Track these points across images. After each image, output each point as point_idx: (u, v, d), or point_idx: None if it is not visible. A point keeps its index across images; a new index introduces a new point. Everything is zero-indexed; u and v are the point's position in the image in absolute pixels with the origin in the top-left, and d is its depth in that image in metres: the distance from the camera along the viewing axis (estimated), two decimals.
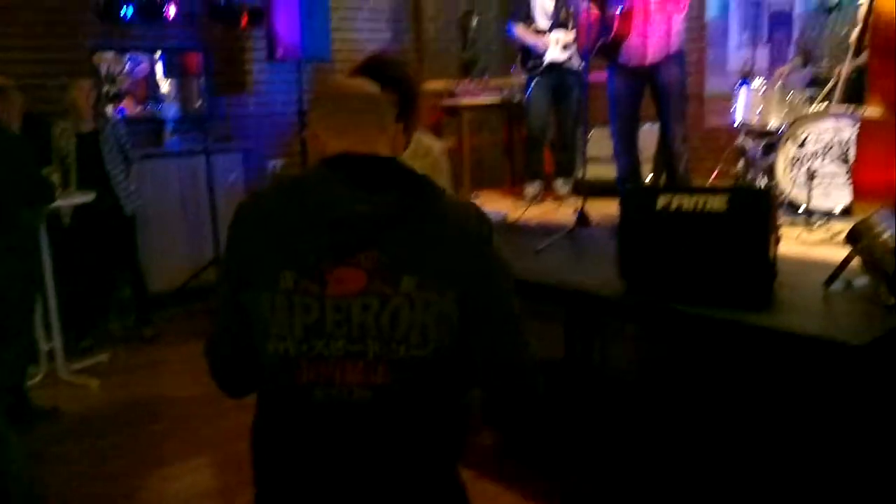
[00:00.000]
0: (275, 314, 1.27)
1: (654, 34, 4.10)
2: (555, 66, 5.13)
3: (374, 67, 2.21)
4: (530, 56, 5.22)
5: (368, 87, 1.44)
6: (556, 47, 5.10)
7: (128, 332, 5.13)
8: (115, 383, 4.30)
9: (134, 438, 3.65)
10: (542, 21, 5.18)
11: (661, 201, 2.80)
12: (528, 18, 5.22)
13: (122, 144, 4.85)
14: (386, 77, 2.16)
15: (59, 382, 4.24)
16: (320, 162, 1.34)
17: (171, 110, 5.88)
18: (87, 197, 4.48)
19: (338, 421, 1.27)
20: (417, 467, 1.30)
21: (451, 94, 6.24)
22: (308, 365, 1.26)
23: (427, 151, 2.64)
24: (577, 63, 5.10)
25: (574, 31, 5.00)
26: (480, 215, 1.36)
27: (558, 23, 5.12)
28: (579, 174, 4.51)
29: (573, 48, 5.06)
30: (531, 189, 5.27)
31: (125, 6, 5.33)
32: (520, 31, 5.24)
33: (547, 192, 5.34)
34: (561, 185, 5.28)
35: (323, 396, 1.26)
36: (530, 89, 5.22)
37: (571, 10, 5.02)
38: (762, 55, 5.73)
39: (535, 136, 5.30)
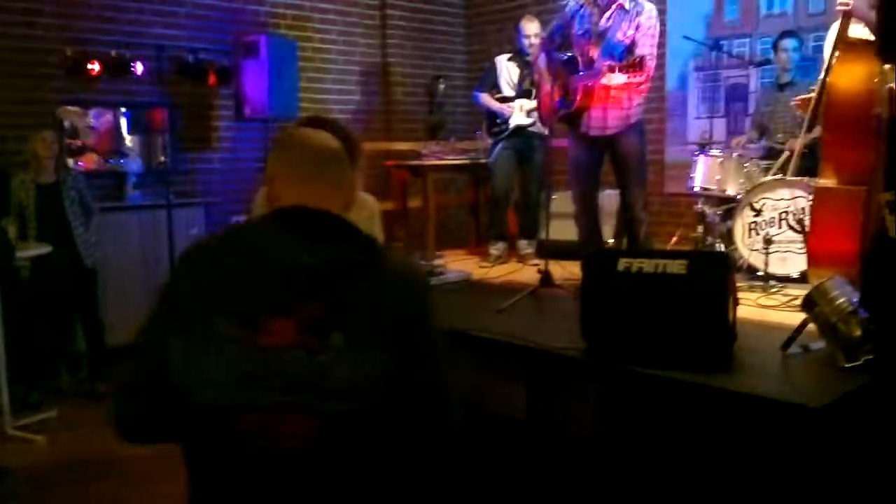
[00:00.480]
0: (206, 361, 1.25)
1: (615, 107, 4.20)
2: (519, 130, 5.29)
3: (320, 122, 2.34)
4: (495, 121, 5.39)
5: (332, 141, 1.45)
6: (521, 113, 5.29)
7: (79, 388, 4.98)
8: (63, 439, 4.15)
9: (82, 497, 3.51)
10: (508, 90, 5.39)
11: (622, 264, 2.83)
12: (494, 87, 5.45)
13: (82, 197, 4.80)
14: (338, 132, 2.34)
15: (5, 438, 4.08)
16: (273, 211, 1.36)
17: (133, 165, 5.86)
18: (43, 249, 4.41)
19: (272, 471, 1.25)
20: None
21: (418, 156, 6.33)
22: (241, 415, 1.25)
23: (363, 205, 2.78)
24: (540, 127, 5.21)
25: (537, 99, 5.13)
26: (420, 275, 1.41)
27: (522, 92, 5.32)
28: (542, 235, 4.56)
29: (536, 114, 5.18)
30: (495, 250, 5.31)
31: (92, 62, 5.35)
32: (485, 98, 5.46)
33: (511, 252, 5.38)
34: (524, 246, 5.34)
35: (256, 446, 1.25)
36: (495, 152, 5.36)
37: (536, 78, 5.16)
38: (719, 126, 5.92)
39: (499, 198, 5.40)
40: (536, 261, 5.06)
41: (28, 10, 5.24)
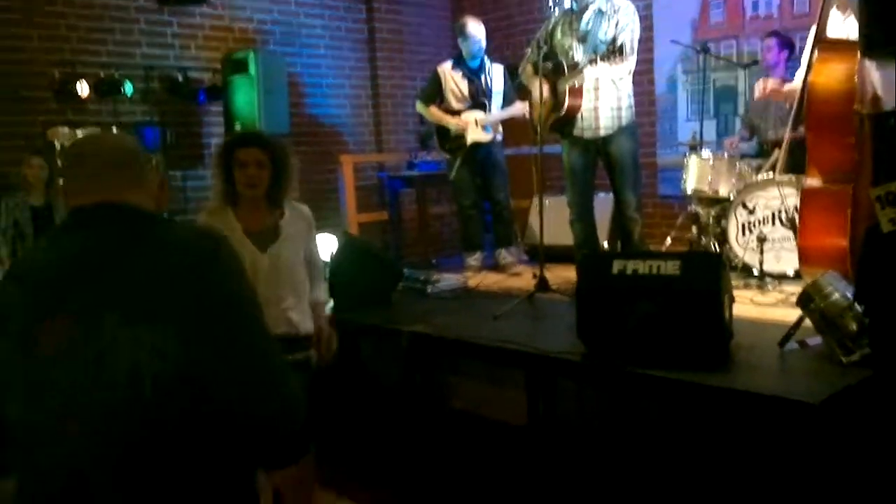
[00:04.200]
0: (6, 379, 1.23)
1: (605, 105, 4.23)
2: (478, 145, 5.07)
3: (259, 139, 2.70)
4: (448, 135, 5.14)
5: (126, 142, 1.44)
6: (477, 128, 5.04)
7: None
8: None
9: None
10: (455, 102, 5.10)
11: (617, 266, 2.84)
12: (437, 98, 5.17)
13: None
14: (269, 148, 2.66)
15: None
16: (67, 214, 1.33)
17: None
18: None
19: (70, 479, 1.19)
20: None
21: (410, 166, 6.34)
22: (31, 429, 1.21)
23: (302, 215, 2.81)
24: (500, 138, 5.16)
25: (491, 112, 5.05)
26: (203, 237, 1.35)
27: (476, 104, 5.08)
28: (536, 241, 4.55)
29: (493, 128, 5.09)
30: (473, 261, 5.24)
31: (81, 83, 5.34)
32: (434, 112, 5.15)
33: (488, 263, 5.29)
34: (504, 255, 5.21)
35: (54, 454, 1.20)
36: (456, 169, 5.12)
37: (493, 88, 5.09)
38: (710, 128, 5.93)
39: (465, 212, 5.26)
40: (518, 269, 5.07)
41: (16, 35, 5.23)
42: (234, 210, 2.66)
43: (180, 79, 5.89)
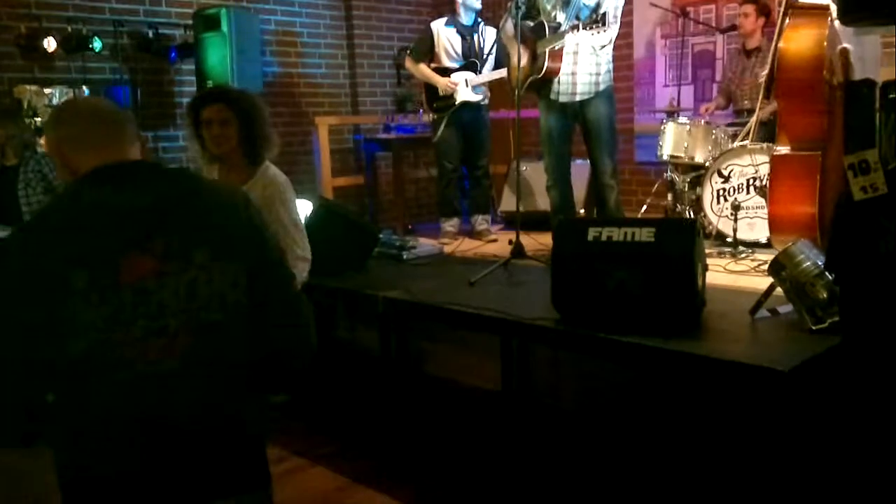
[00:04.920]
0: (75, 314, 1.33)
1: (583, 71, 4.20)
2: (466, 105, 5.02)
3: (223, 95, 2.59)
4: (436, 95, 5.10)
5: (111, 105, 1.58)
6: (467, 89, 4.99)
7: None
8: None
9: None
10: (447, 60, 5.06)
11: (592, 233, 2.84)
12: (429, 56, 5.10)
13: (44, 176, 4.69)
14: (233, 104, 2.56)
15: None
16: (87, 174, 1.43)
17: None
18: (2, 232, 4.31)
19: (149, 394, 1.37)
20: (227, 423, 1.46)
21: (387, 129, 6.27)
22: (113, 348, 1.34)
23: (269, 182, 2.69)
24: (486, 100, 5.12)
25: (484, 72, 5.02)
26: (236, 189, 1.63)
27: (468, 64, 5.03)
28: (512, 207, 4.54)
29: (483, 89, 5.07)
30: (450, 227, 5.20)
31: (48, 39, 5.19)
32: (424, 70, 5.09)
33: (464, 228, 5.27)
34: (480, 222, 5.20)
35: (129, 376, 1.35)
36: (441, 129, 5.07)
37: (486, 49, 5.03)
38: (687, 93, 5.93)
39: (447, 175, 5.19)
40: (494, 235, 5.06)
41: None
42: (219, 168, 2.62)
43: (150, 35, 5.74)
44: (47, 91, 5.45)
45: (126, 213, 1.39)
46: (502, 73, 5.00)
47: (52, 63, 5.37)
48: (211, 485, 1.43)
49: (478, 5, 5.07)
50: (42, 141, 5.19)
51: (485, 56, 5.03)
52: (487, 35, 5.11)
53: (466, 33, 5.06)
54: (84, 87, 5.59)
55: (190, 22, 5.78)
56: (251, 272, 1.45)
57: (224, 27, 5.47)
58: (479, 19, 5.15)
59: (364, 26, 7.12)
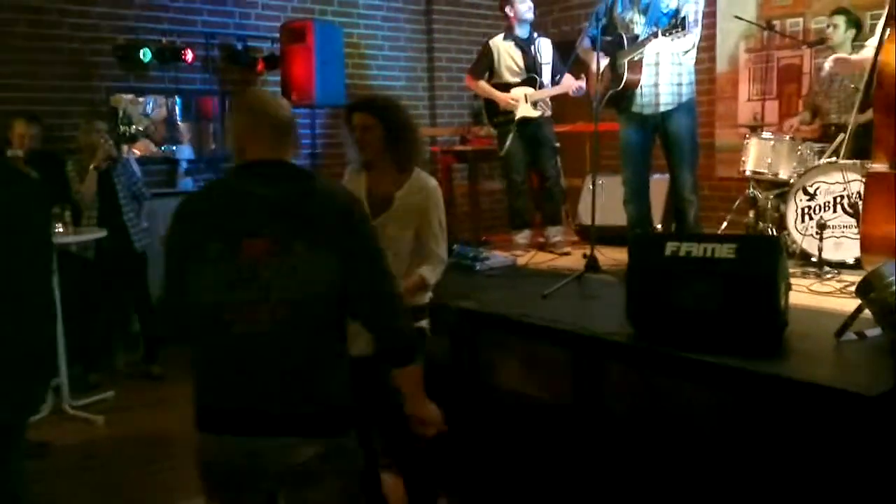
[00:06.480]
0: (205, 275, 1.75)
1: (665, 82, 4.15)
2: (527, 121, 5.02)
3: (367, 103, 2.72)
4: (497, 110, 5.09)
5: (287, 109, 1.89)
6: (527, 105, 4.99)
7: (134, 369, 5.11)
8: (120, 420, 4.28)
9: (139, 475, 3.62)
10: (508, 75, 5.06)
11: (670, 248, 2.79)
12: (489, 73, 5.12)
13: (133, 183, 4.91)
14: (376, 111, 2.68)
15: (65, 418, 4.21)
16: (239, 164, 1.83)
17: (185, 152, 5.96)
18: (98, 233, 4.53)
19: (253, 346, 1.74)
20: (307, 381, 1.77)
21: (463, 141, 6.32)
22: (229, 308, 1.73)
23: (422, 187, 2.73)
24: (548, 114, 5.10)
25: (541, 86, 5.01)
26: (349, 195, 1.92)
27: (527, 80, 5.02)
28: (587, 221, 4.51)
29: (543, 105, 5.05)
30: (521, 239, 5.19)
31: (144, 50, 5.44)
32: (483, 86, 5.11)
33: (537, 239, 5.24)
34: (554, 234, 5.16)
35: (240, 329, 1.73)
36: (507, 143, 5.07)
37: (543, 61, 5.03)
38: (771, 108, 5.78)
39: (517, 189, 5.19)
40: (566, 248, 5.02)
41: (82, 1, 5.35)
42: (368, 174, 2.70)
43: (239, 47, 5.96)
44: (141, 99, 5.72)
45: (255, 203, 1.74)
46: (562, 88, 5.02)
47: (147, 73, 5.63)
48: (293, 426, 1.76)
49: (531, 16, 5.07)
50: (125, 149, 5.45)
51: (542, 68, 5.05)
52: (543, 48, 5.12)
53: (525, 46, 5.07)
54: (176, 97, 5.84)
55: (276, 35, 5.97)
56: (346, 266, 1.75)
57: (309, 40, 5.63)
58: (535, 32, 5.15)
59: (444, 39, 7.21)
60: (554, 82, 5.08)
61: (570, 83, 5.00)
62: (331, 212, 1.78)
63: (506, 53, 5.07)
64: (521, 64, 5.04)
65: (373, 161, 2.69)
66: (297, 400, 1.76)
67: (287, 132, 1.85)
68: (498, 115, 5.11)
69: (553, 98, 5.14)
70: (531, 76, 5.03)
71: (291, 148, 1.86)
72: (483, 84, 5.13)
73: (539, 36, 5.18)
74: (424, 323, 2.80)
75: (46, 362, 2.16)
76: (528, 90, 5.01)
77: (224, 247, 1.73)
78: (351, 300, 1.80)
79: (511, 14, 5.04)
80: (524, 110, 5.00)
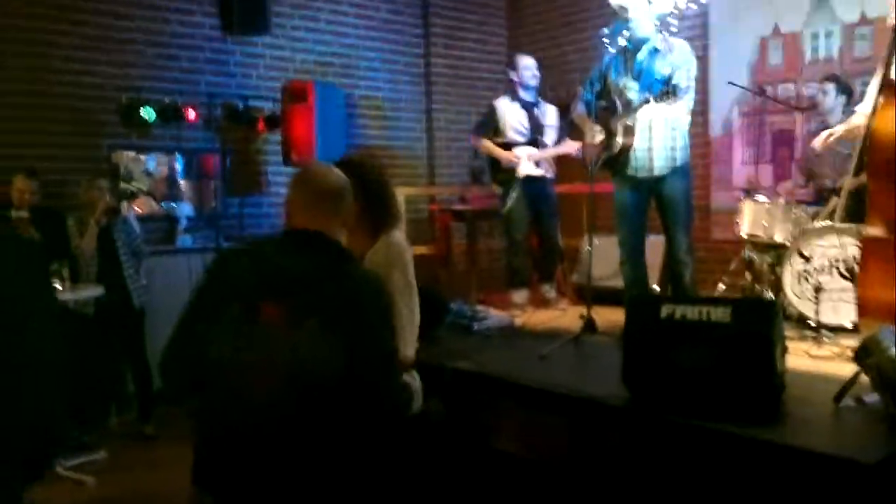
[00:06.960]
0: (216, 332, 1.76)
1: (659, 146, 4.20)
2: (531, 179, 5.14)
3: (345, 164, 2.60)
4: (500, 168, 5.21)
5: (335, 178, 1.95)
6: (529, 163, 5.11)
7: (127, 429, 5.04)
8: (111, 480, 4.19)
9: None
10: (513, 135, 5.17)
11: (665, 310, 2.79)
12: (493, 132, 5.23)
13: (132, 240, 4.93)
14: (349, 168, 2.53)
15: (56, 479, 4.13)
16: (283, 230, 1.91)
17: (185, 209, 6.00)
18: (97, 290, 4.53)
19: (254, 411, 1.73)
20: (298, 451, 1.73)
21: (462, 201, 6.37)
22: (231, 368, 1.75)
23: (388, 244, 2.66)
24: (551, 174, 5.22)
25: (544, 147, 5.14)
26: (374, 280, 1.90)
27: (531, 140, 5.14)
28: (584, 281, 4.52)
29: (546, 164, 5.18)
30: (518, 298, 5.22)
31: (147, 108, 5.53)
32: (487, 145, 5.23)
33: (534, 297, 5.29)
34: (548, 290, 5.24)
35: (239, 391, 1.74)
36: (510, 202, 5.16)
37: (546, 124, 5.17)
38: (766, 172, 5.85)
39: (517, 247, 5.26)
40: (563, 304, 5.07)
41: (87, 59, 5.46)
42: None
43: (241, 107, 6.05)
44: (142, 157, 5.79)
45: (281, 272, 1.79)
46: (564, 149, 5.13)
47: (149, 131, 5.70)
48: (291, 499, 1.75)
49: (535, 83, 5.22)
50: (125, 206, 5.49)
51: (545, 131, 5.19)
52: (548, 111, 5.28)
53: (530, 109, 5.21)
54: (177, 154, 5.91)
55: (278, 95, 6.07)
56: (351, 350, 1.73)
57: (310, 100, 5.73)
58: (539, 97, 5.30)
59: (443, 101, 7.33)
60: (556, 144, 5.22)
61: (570, 144, 5.14)
62: (350, 296, 1.78)
63: (511, 114, 5.19)
64: (527, 124, 5.17)
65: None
66: (288, 474, 1.73)
67: (330, 199, 1.89)
68: (500, 172, 5.21)
69: (554, 159, 5.25)
70: (535, 137, 5.15)
71: (337, 217, 1.89)
72: (486, 142, 5.25)
73: (545, 102, 5.34)
74: (409, 378, 2.74)
75: (54, 432, 2.19)
76: (531, 150, 5.12)
77: (241, 310, 1.76)
78: (353, 378, 1.76)
79: (515, 79, 5.22)
80: (526, 168, 5.10)
